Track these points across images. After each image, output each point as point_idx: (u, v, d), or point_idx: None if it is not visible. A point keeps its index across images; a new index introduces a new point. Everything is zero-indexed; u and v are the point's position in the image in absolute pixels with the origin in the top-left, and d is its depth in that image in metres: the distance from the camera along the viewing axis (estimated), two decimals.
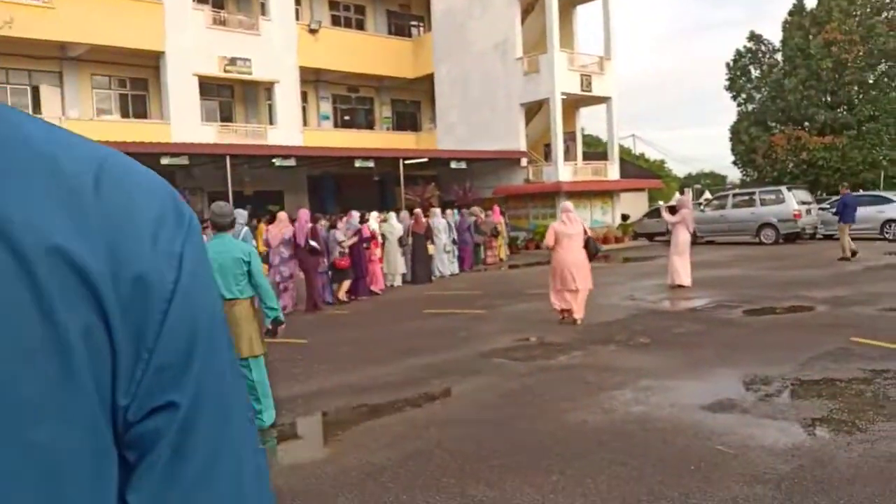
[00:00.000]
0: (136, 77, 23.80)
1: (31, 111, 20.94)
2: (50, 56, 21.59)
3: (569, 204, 9.73)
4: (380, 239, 14.83)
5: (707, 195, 35.69)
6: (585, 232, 9.25)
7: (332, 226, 13.36)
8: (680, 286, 12.23)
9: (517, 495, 3.84)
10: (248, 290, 5.23)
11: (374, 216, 15.13)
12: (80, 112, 22.20)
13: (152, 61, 23.00)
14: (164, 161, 18.27)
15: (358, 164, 22.08)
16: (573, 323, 9.16)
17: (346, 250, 12.99)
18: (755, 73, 36.82)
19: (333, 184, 26.51)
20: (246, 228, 11.00)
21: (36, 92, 21.95)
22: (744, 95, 37.18)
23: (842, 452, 4.22)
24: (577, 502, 3.71)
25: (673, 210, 13.20)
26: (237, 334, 5.17)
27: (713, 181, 61.65)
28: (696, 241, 22.84)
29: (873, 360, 6.43)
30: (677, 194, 14.60)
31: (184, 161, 18.86)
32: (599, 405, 5.47)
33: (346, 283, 13.18)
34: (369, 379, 6.82)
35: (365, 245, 13.78)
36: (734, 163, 37.82)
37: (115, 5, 20.99)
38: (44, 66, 21.87)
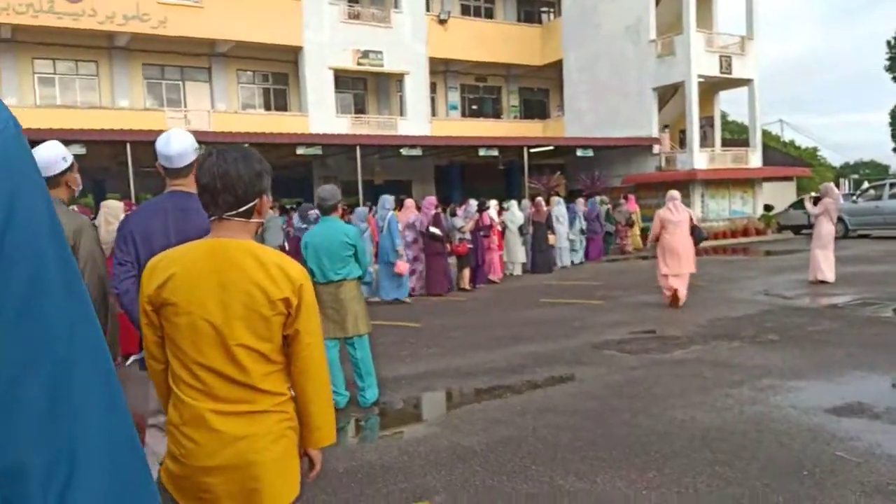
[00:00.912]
0: (277, 72, 25.20)
1: (183, 105, 22.85)
2: (199, 53, 23.32)
3: (675, 193, 10.10)
4: (499, 227, 14.81)
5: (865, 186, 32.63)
6: (691, 219, 9.81)
7: (453, 213, 13.50)
8: (822, 282, 11.26)
9: (607, 489, 3.70)
10: (354, 272, 5.38)
11: (493, 204, 15.12)
12: (227, 105, 23.84)
13: (291, 56, 24.24)
14: (300, 151, 19.25)
15: (482, 152, 22.15)
16: (679, 305, 9.62)
17: (466, 236, 13.09)
18: None
19: (459, 173, 26.78)
20: (391, 213, 11.45)
21: (186, 87, 23.82)
22: None
23: None
24: (670, 500, 3.51)
25: (817, 200, 12.16)
26: (343, 314, 5.35)
27: (874, 171, 56.41)
28: (847, 234, 21.19)
29: None
30: (824, 183, 13.35)
31: (317, 151, 19.75)
32: (712, 403, 5.15)
33: (468, 271, 13.28)
34: (474, 364, 6.83)
35: (483, 233, 13.82)
36: (894, 150, 34.28)
37: (258, 3, 22.31)
38: (194, 63, 23.68)
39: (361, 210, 13.28)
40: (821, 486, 3.59)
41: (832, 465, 3.86)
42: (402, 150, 21.05)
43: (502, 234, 15.02)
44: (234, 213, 1.94)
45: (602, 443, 4.40)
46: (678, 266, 9.62)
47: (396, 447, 4.55)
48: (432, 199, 13.06)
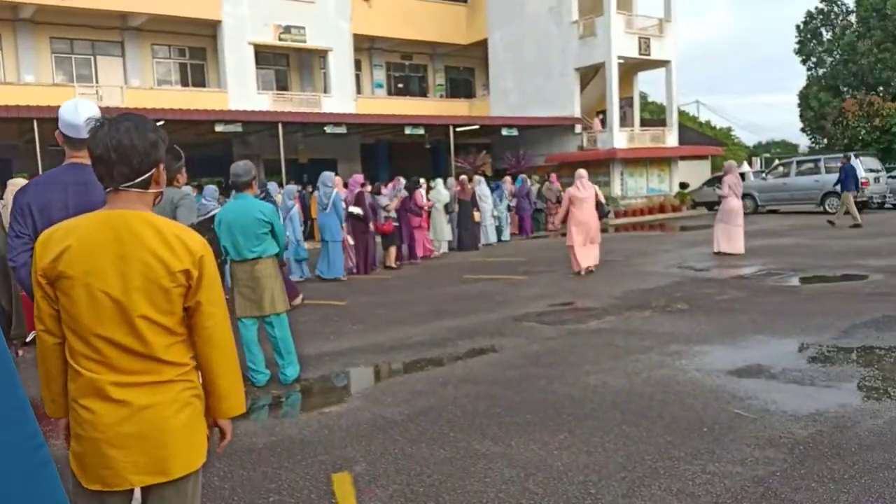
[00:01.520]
0: (194, 46, 24.33)
1: (94, 81, 21.77)
2: (111, 26, 22.25)
3: (582, 171, 11.27)
4: (428, 207, 14.90)
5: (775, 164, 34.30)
6: (597, 195, 11.03)
7: (377, 192, 13.46)
8: (727, 254, 12.03)
9: (521, 451, 3.83)
10: (270, 249, 5.32)
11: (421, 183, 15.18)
12: (142, 81, 22.88)
13: (210, 30, 23.44)
14: (219, 128, 18.72)
15: (408, 131, 22.10)
16: (591, 272, 10.84)
17: (392, 215, 13.12)
18: (827, 35, 34.94)
19: (386, 151, 26.64)
20: (335, 191, 11.26)
21: (98, 62, 22.70)
22: (814, 59, 35.40)
23: (867, 419, 4.05)
24: (580, 459, 3.68)
25: (720, 179, 12.86)
26: (260, 292, 5.29)
27: (784, 150, 59.21)
28: (757, 210, 22.30)
29: None
30: (726, 162, 14.10)
31: (237, 128, 19.25)
32: (623, 368, 5.39)
33: (393, 250, 13.31)
34: (398, 339, 6.89)
35: (413, 212, 13.96)
36: (802, 130, 36.16)
37: None
38: (106, 36, 22.58)
39: (290, 188, 13.02)
40: (719, 442, 3.83)
41: (730, 422, 4.11)
42: (326, 128, 20.76)
43: (429, 212, 15.10)
44: (130, 184, 1.91)
45: (518, 409, 4.55)
46: (586, 236, 10.80)
47: (317, 421, 4.57)
48: (359, 177, 13.00)
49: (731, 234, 12.18)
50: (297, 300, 9.15)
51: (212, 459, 3.89)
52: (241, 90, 22.83)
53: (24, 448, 0.65)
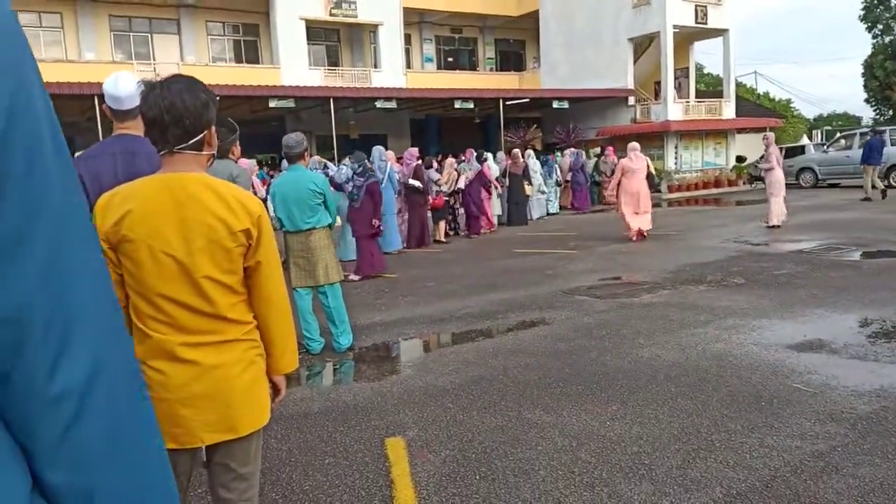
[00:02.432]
0: (247, 23, 24.60)
1: (151, 58, 22.26)
2: (168, 4, 22.65)
3: (635, 144, 12.06)
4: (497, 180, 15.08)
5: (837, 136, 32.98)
6: (648, 167, 11.79)
7: (429, 166, 13.52)
8: (778, 227, 12.06)
9: (573, 421, 3.82)
10: (324, 220, 5.39)
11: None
12: (197, 58, 23.29)
13: (262, 6, 23.64)
14: (272, 104, 18.94)
15: (458, 105, 21.97)
16: (643, 238, 11.59)
17: (444, 189, 13.22)
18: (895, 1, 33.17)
19: (436, 126, 26.58)
20: (389, 165, 11.37)
21: (154, 40, 23.17)
22: (881, 26, 33.65)
23: None
24: (633, 430, 3.65)
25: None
26: (314, 262, 5.38)
27: (846, 122, 56.83)
28: (817, 183, 21.55)
29: None
30: (765, 133, 13.81)
31: (290, 104, 19.44)
32: (677, 342, 5.30)
33: (443, 224, 13.43)
34: (448, 311, 6.92)
35: (486, 184, 14.19)
36: (867, 101, 34.58)
37: None
38: (162, 14, 23.02)
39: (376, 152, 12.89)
40: (778, 416, 3.74)
41: (789, 396, 4.02)
42: (376, 103, 20.79)
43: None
44: (184, 145, 1.93)
45: (569, 380, 4.53)
46: (637, 205, 11.50)
47: (370, 388, 4.64)
48: (414, 150, 13.04)
49: (779, 206, 12.27)
50: (385, 273, 9.38)
51: (269, 421, 4.01)
52: (292, 66, 23.02)
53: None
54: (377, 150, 11.54)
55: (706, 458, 3.27)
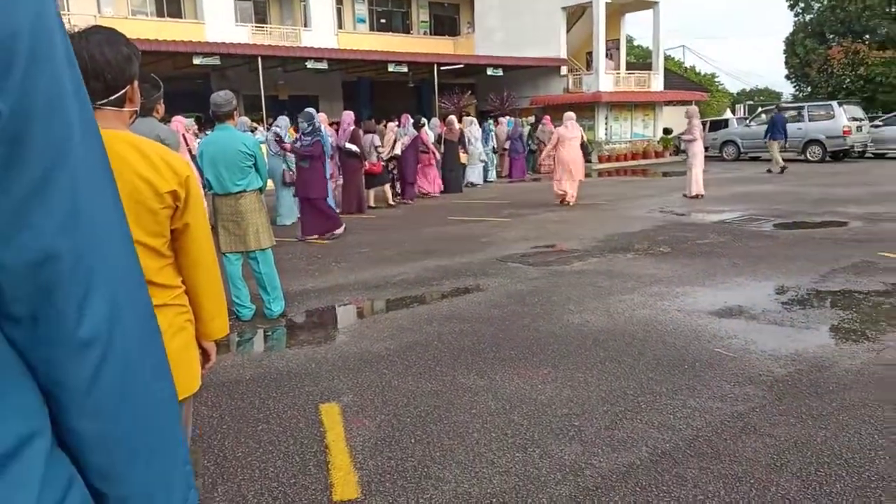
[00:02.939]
0: None
1: (65, 9, 20.93)
2: None
3: (570, 113, 12.51)
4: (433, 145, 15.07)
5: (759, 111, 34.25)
6: (582, 137, 12.57)
7: (368, 130, 13.33)
8: (701, 196, 12.67)
9: (506, 385, 3.89)
10: (255, 182, 5.24)
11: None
12: (115, 10, 22.04)
13: None
14: (197, 61, 18.19)
15: (391, 68, 21.65)
16: (569, 204, 12.24)
17: (383, 155, 13.19)
18: None
19: (369, 89, 26.15)
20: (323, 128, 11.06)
21: None
22: (802, 4, 34.96)
23: (845, 360, 4.14)
24: (563, 393, 3.74)
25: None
26: (244, 227, 5.23)
27: (768, 97, 59.02)
28: (739, 156, 22.41)
29: None
30: (688, 107, 14.43)
31: (215, 61, 18.70)
32: (605, 308, 5.45)
33: (388, 188, 13.49)
34: (382, 278, 6.89)
35: (423, 150, 14.25)
36: (787, 77, 35.99)
37: None
38: None
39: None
40: (700, 378, 3.91)
41: (711, 360, 4.20)
42: (307, 64, 20.24)
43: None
44: (104, 101, 1.82)
45: (502, 345, 4.60)
46: (570, 174, 12.24)
47: (303, 355, 4.59)
48: (350, 114, 12.79)
49: (700, 177, 12.82)
50: (340, 230, 9.47)
51: (199, 389, 3.91)
52: (218, 22, 22.11)
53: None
54: (308, 111, 11.25)
55: (632, 419, 3.39)
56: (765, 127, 21.94)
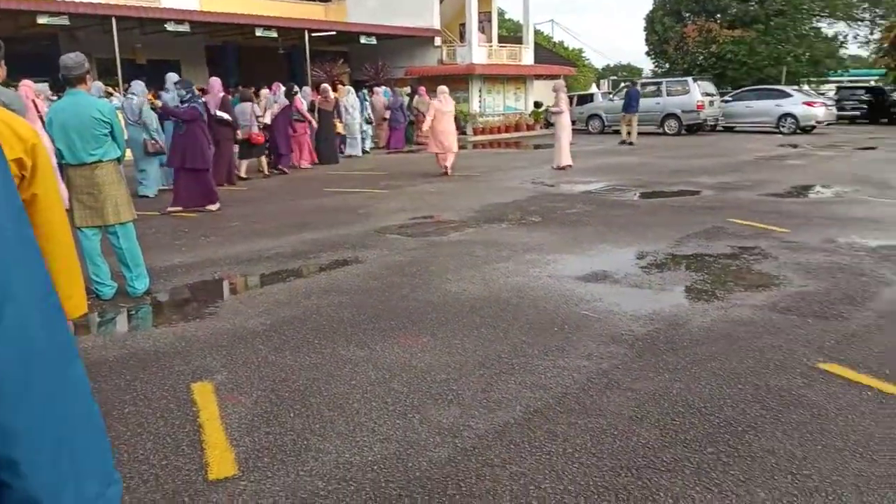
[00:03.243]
0: None
1: None
2: None
3: (444, 87, 12.98)
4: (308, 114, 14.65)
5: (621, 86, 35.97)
6: (455, 111, 13.24)
7: (245, 98, 12.80)
8: (569, 167, 13.23)
9: (386, 355, 3.91)
10: (112, 152, 4.90)
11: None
12: None
13: None
14: (42, 20, 16.60)
15: (259, 33, 20.78)
16: (448, 174, 12.64)
17: (267, 121, 12.82)
18: None
19: (235, 55, 24.97)
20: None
21: None
22: None
23: (697, 318, 4.50)
24: (442, 359, 3.82)
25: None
26: (101, 200, 4.90)
27: (630, 73, 62.02)
28: (604, 130, 23.51)
29: (743, 239, 6.81)
30: (556, 81, 15.12)
31: (64, 21, 17.15)
32: (482, 276, 5.59)
33: (264, 159, 13.07)
34: (256, 251, 6.69)
35: (297, 118, 13.97)
36: (647, 53, 38.01)
37: None
38: None
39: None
40: (568, 339, 4.11)
41: (578, 322, 4.42)
42: (166, 26, 19.00)
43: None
44: None
45: (382, 316, 4.61)
46: (445, 146, 12.61)
47: (172, 333, 4.39)
48: (218, 80, 12.19)
49: (567, 149, 13.35)
50: (215, 206, 9.07)
51: None
52: None
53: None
54: (171, 76, 10.68)
55: (507, 380, 3.52)
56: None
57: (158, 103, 8.77)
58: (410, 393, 3.40)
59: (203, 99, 11.27)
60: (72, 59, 4.69)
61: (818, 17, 35.12)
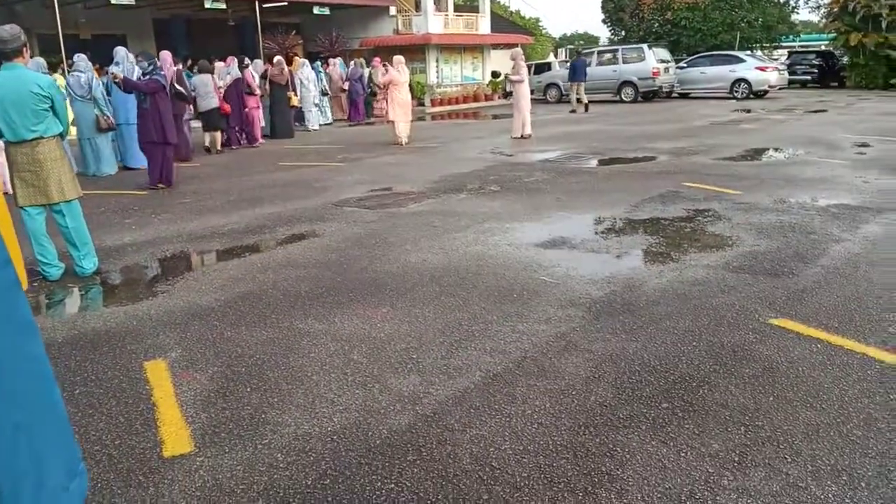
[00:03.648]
0: None
1: None
2: None
3: (400, 57, 13.13)
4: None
5: None
6: (410, 80, 13.84)
7: (204, 70, 12.49)
8: (526, 137, 13.24)
9: (345, 326, 3.88)
10: (53, 128, 4.71)
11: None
12: None
13: None
14: None
15: (208, 5, 20.15)
16: (403, 144, 12.79)
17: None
18: None
19: (184, 28, 24.27)
20: (136, 68, 10.09)
21: None
22: None
23: (653, 279, 4.55)
24: (402, 328, 3.80)
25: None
26: (44, 177, 4.72)
27: (587, 42, 62.11)
28: (561, 99, 23.54)
29: (698, 202, 6.91)
30: (513, 50, 15.07)
31: None
32: (441, 246, 5.56)
33: (219, 134, 12.77)
34: (210, 228, 6.55)
35: (247, 92, 13.62)
36: (603, 21, 38.03)
37: None
38: None
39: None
40: (527, 305, 4.13)
41: (537, 288, 4.44)
42: None
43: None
44: None
45: (341, 288, 4.57)
46: (404, 115, 12.87)
47: (123, 313, 4.28)
48: (169, 54, 11.88)
49: (528, 118, 13.36)
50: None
51: None
52: None
53: None
54: (120, 50, 10.32)
55: (467, 347, 3.52)
56: (587, 70, 23.26)
57: (120, 75, 8.49)
58: (370, 363, 3.37)
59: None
60: (6, 31, 4.48)
61: None
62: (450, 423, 2.78)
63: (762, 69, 22.20)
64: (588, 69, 23.29)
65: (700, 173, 8.54)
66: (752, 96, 22.00)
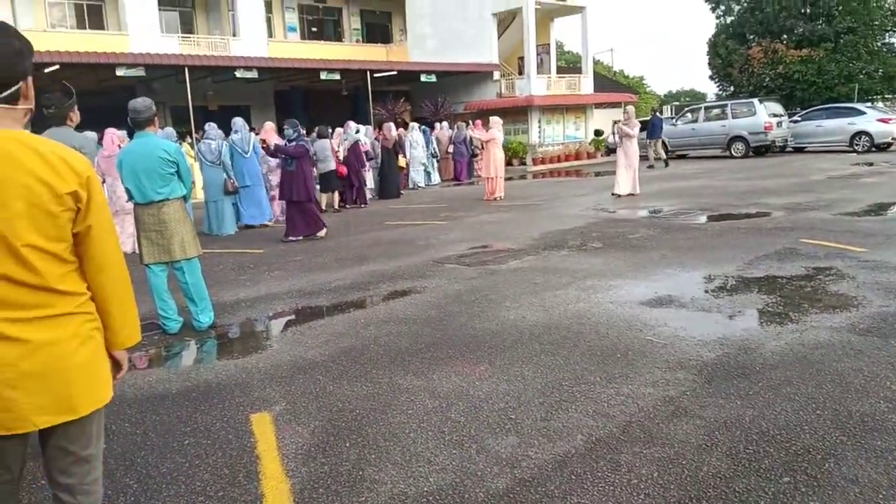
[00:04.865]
0: None
1: None
2: None
3: (497, 118, 14.22)
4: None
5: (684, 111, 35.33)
6: (504, 141, 14.99)
7: (322, 135, 13.31)
8: (631, 195, 12.97)
9: (443, 383, 3.85)
10: (178, 190, 5.07)
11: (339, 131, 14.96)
12: (34, 23, 21.16)
13: None
14: (120, 72, 17.62)
15: (324, 76, 21.44)
16: (497, 200, 13.54)
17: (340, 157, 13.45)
18: None
19: (301, 98, 25.84)
20: (253, 135, 11.43)
21: None
22: (722, 7, 36.38)
23: (770, 342, 4.27)
24: (500, 387, 3.73)
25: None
26: (168, 237, 5.06)
27: (693, 98, 60.99)
28: (668, 153, 23.12)
29: (818, 259, 6.48)
30: (626, 107, 14.99)
31: (140, 72, 18.16)
32: (541, 303, 5.48)
33: (336, 195, 13.52)
34: (317, 284, 6.77)
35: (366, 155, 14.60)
36: (711, 77, 37.29)
37: None
38: None
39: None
40: (632, 366, 3.96)
41: (643, 348, 4.26)
42: (236, 73, 19.86)
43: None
44: None
45: (440, 344, 4.57)
46: (497, 171, 13.73)
47: (234, 366, 4.45)
48: (271, 124, 12.76)
49: (636, 176, 13.10)
50: (322, 232, 9.82)
51: (121, 405, 3.75)
52: (143, 33, 21.43)
53: None
54: (238, 120, 11.21)
55: (568, 409, 3.40)
56: (693, 125, 22.79)
57: (272, 142, 9.46)
58: (467, 422, 3.32)
59: (278, 139, 11.74)
60: (140, 103, 4.91)
61: (891, 32, 33.79)
62: (549, 489, 2.67)
63: (884, 121, 20.92)
64: (694, 125, 22.87)
65: (819, 229, 8.04)
66: (873, 149, 20.71)
